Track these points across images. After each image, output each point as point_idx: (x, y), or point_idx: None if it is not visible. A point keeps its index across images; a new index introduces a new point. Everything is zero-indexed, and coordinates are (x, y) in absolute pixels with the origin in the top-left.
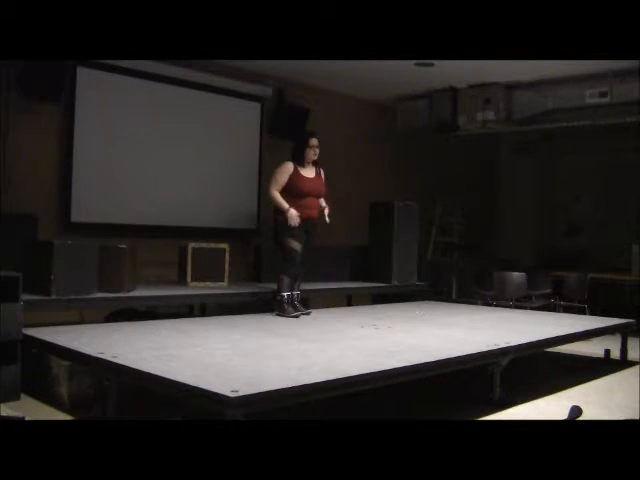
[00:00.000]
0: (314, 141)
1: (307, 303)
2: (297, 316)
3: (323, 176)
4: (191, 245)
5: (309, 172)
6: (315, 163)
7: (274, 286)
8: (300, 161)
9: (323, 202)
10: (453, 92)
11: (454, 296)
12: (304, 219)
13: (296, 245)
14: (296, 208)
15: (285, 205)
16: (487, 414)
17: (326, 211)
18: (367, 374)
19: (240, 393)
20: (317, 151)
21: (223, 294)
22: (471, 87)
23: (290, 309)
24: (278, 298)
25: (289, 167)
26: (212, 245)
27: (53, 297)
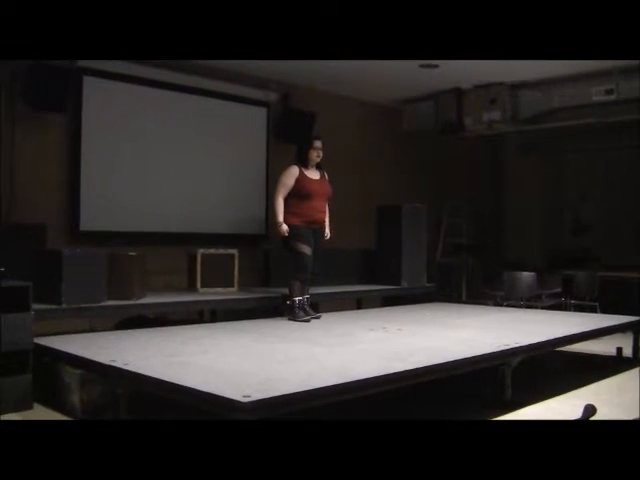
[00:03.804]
0: (318, 143)
1: (317, 307)
2: (308, 320)
3: (327, 179)
4: (200, 251)
5: (314, 174)
6: (319, 166)
7: (284, 291)
8: (304, 164)
9: (327, 218)
10: (458, 93)
11: (464, 297)
12: (312, 222)
13: (306, 249)
14: (304, 211)
15: (280, 218)
16: (498, 414)
17: (327, 229)
18: (378, 377)
19: (252, 398)
20: (320, 153)
21: (233, 299)
22: (476, 87)
23: (301, 313)
24: (289, 303)
25: (294, 170)
26: (221, 251)
27: (63, 306)
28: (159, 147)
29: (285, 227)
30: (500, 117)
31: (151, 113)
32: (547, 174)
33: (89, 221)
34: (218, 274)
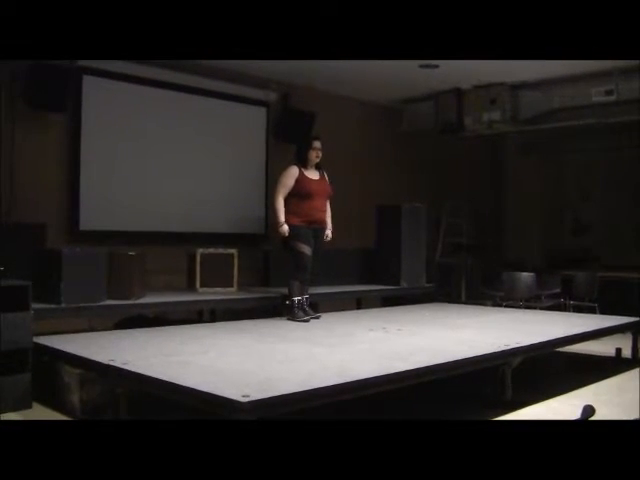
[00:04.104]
0: (317, 143)
1: (316, 307)
2: (307, 320)
3: (327, 178)
4: (200, 251)
5: (313, 174)
6: (318, 166)
7: (283, 290)
8: (303, 164)
9: (329, 218)
10: (458, 93)
11: (463, 297)
12: (312, 222)
13: (306, 249)
14: (304, 210)
15: (282, 218)
16: (499, 415)
17: (329, 231)
18: (378, 377)
19: (251, 398)
20: (319, 154)
21: (232, 299)
22: (476, 88)
23: (300, 313)
24: (288, 303)
25: (294, 170)
26: (221, 251)
27: (63, 305)
28: (159, 146)
29: (286, 227)
30: (500, 117)
31: (151, 113)
32: (547, 174)
33: (89, 220)
34: (217, 274)
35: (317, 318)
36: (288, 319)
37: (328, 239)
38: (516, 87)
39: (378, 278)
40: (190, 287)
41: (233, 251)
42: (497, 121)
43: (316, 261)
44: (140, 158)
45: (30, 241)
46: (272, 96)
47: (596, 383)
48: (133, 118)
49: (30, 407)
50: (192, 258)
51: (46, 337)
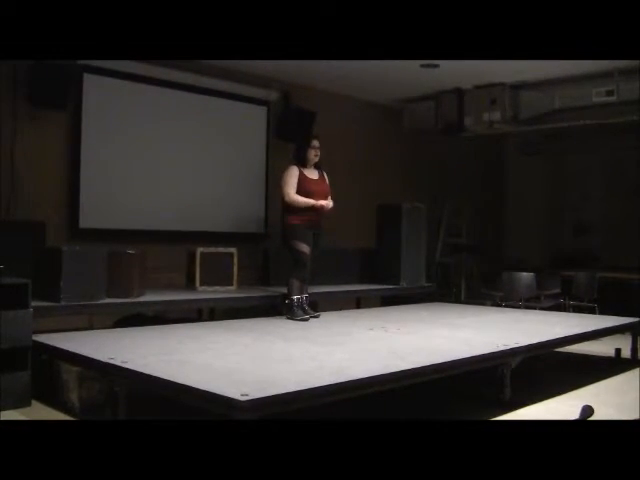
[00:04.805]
0: (315, 143)
1: (316, 306)
2: (306, 319)
3: (326, 178)
4: (199, 250)
5: (313, 174)
6: (317, 166)
7: (283, 289)
8: (303, 163)
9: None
10: (459, 93)
11: (463, 297)
12: (312, 222)
13: (305, 248)
14: (304, 210)
15: (312, 201)
16: (498, 415)
17: (329, 202)
18: (377, 376)
19: (250, 397)
20: (318, 152)
21: (232, 298)
22: (477, 88)
23: (300, 312)
24: (287, 301)
25: (295, 170)
26: (220, 249)
27: (62, 303)
28: (159, 145)
29: (325, 201)
30: (500, 117)
31: (151, 111)
32: (547, 174)
33: (89, 219)
34: (217, 272)
35: (316, 317)
36: (287, 318)
37: (329, 207)
38: (516, 87)
39: (378, 278)
40: (190, 286)
41: (233, 250)
42: (498, 121)
43: (313, 263)
44: (140, 156)
45: (30, 239)
46: (273, 95)
47: (595, 383)
48: (134, 116)
49: (29, 405)
50: (192, 257)
51: (45, 335)
